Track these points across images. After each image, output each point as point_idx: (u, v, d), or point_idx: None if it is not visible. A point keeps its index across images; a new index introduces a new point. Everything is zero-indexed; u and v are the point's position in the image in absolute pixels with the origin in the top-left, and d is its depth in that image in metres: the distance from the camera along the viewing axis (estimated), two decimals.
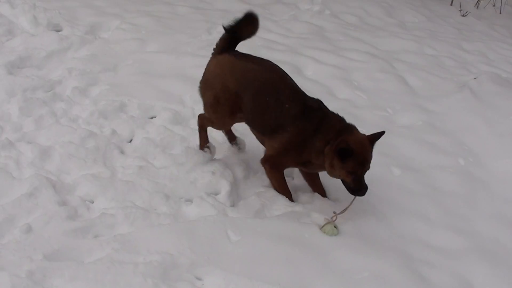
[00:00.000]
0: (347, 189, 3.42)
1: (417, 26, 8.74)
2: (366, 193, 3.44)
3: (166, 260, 2.91)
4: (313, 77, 5.74)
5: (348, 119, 4.85)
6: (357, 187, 3.36)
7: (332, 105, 5.08)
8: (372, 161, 4.21)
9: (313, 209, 3.56)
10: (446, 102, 5.52)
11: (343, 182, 3.41)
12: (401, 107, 5.36)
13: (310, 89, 5.29)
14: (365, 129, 4.71)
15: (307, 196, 3.73)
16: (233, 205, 3.61)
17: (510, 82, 6.02)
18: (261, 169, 3.80)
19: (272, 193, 3.69)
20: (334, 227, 3.35)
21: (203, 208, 3.44)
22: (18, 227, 3.12)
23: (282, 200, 3.64)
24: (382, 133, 3.46)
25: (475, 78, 5.91)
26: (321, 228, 3.36)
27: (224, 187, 3.67)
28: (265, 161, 3.65)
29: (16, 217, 3.20)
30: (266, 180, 3.80)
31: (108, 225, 3.21)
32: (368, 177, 4.01)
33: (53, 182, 3.52)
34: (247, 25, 3.73)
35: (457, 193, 4.06)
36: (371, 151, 3.40)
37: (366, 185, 3.38)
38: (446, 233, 3.57)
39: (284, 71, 3.71)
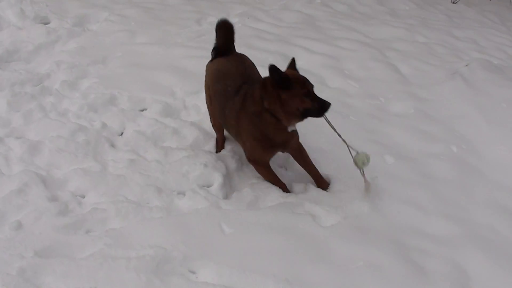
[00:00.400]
0: (314, 114, 3.30)
1: (408, 14, 8.71)
2: (354, 179, 3.44)
3: (159, 254, 2.89)
4: (304, 67, 5.67)
5: (340, 108, 4.88)
6: (321, 103, 3.26)
7: (324, 94, 5.04)
8: (365, 149, 4.22)
9: (307, 199, 3.53)
10: (438, 89, 5.51)
11: (307, 113, 3.29)
12: (393, 95, 5.33)
13: None
14: (356, 118, 4.75)
15: (300, 187, 3.69)
16: (226, 197, 3.57)
17: (501, 68, 6.02)
18: None
19: (266, 184, 3.66)
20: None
21: (195, 200, 3.41)
22: (8, 224, 3.09)
23: (275, 191, 3.61)
24: (293, 59, 3.46)
25: (466, 65, 5.90)
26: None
27: (216, 179, 3.63)
28: (248, 159, 3.65)
29: (6, 214, 3.17)
30: None
31: (99, 220, 3.18)
32: None
33: (43, 177, 3.48)
34: (222, 34, 3.79)
35: (451, 180, 4.03)
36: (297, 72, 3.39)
37: (324, 100, 3.29)
38: (440, 221, 3.55)
39: (247, 61, 3.76)
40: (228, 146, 4.02)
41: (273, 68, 3.13)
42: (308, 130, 4.38)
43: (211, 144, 4.06)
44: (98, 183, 3.49)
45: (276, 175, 3.68)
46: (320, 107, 3.26)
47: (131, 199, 3.38)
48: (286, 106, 3.24)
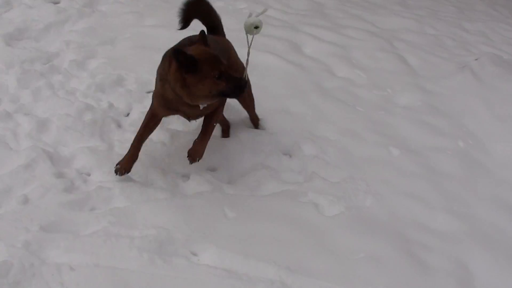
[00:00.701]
0: (231, 96, 3.06)
1: (418, 5, 8.64)
2: (359, 170, 3.36)
3: (162, 235, 2.92)
4: (312, 55, 5.69)
5: (347, 98, 4.87)
6: (236, 83, 2.94)
7: (331, 84, 5.11)
8: (370, 140, 4.24)
9: (311, 188, 3.53)
10: (446, 83, 5.48)
11: (222, 94, 3.00)
12: (401, 87, 5.32)
13: (309, 67, 5.30)
14: (363, 108, 4.75)
15: (304, 176, 3.70)
16: (229, 182, 3.59)
17: (511, 64, 5.97)
18: (258, 147, 3.81)
19: (269, 172, 3.66)
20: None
21: (199, 184, 3.44)
22: (15, 198, 3.13)
23: (278, 178, 3.63)
24: (202, 32, 3.02)
25: (476, 59, 5.86)
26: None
27: (220, 163, 3.66)
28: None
29: (13, 188, 3.21)
30: (262, 158, 3.79)
31: (104, 198, 3.21)
32: (366, 156, 4.02)
33: (50, 154, 3.51)
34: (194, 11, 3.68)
35: (456, 175, 4.01)
36: (212, 49, 2.98)
37: (240, 77, 2.99)
38: (444, 216, 3.54)
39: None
40: (233, 132, 4.03)
41: (177, 53, 2.79)
42: (314, 119, 4.41)
43: (217, 130, 4.06)
44: (103, 162, 3.51)
45: (140, 137, 3.33)
46: (236, 88, 2.95)
47: (136, 179, 3.41)
48: (195, 89, 2.92)
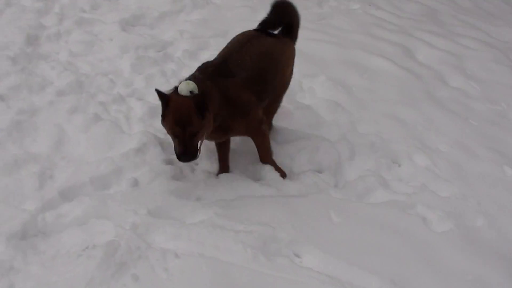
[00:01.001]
0: None
1: None
2: (470, 187, 3.20)
3: (267, 232, 2.89)
4: (425, 62, 5.47)
5: (459, 110, 4.63)
6: (176, 150, 2.89)
7: (443, 93, 4.90)
8: (483, 156, 4.00)
9: (420, 201, 3.37)
10: None
11: None
12: None
13: (421, 74, 5.10)
14: (476, 122, 4.50)
15: (412, 187, 3.54)
16: (336, 185, 3.51)
17: None
18: (367, 152, 3.70)
19: (377, 179, 3.54)
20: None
21: (305, 184, 3.38)
22: (125, 180, 3.23)
23: (387, 187, 3.50)
24: (202, 96, 2.87)
25: None
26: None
27: (328, 165, 3.58)
28: None
29: (124, 170, 3.31)
30: (371, 164, 3.69)
31: (211, 189, 3.23)
32: (477, 172, 3.79)
33: (160, 140, 3.59)
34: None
35: None
36: (192, 113, 2.81)
37: (192, 150, 2.87)
38: None
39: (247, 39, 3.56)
40: (343, 136, 3.93)
41: (158, 94, 2.86)
42: (425, 128, 4.23)
43: (326, 129, 3.98)
44: (212, 153, 3.54)
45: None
46: (175, 151, 2.91)
47: (243, 173, 3.42)
48: None
